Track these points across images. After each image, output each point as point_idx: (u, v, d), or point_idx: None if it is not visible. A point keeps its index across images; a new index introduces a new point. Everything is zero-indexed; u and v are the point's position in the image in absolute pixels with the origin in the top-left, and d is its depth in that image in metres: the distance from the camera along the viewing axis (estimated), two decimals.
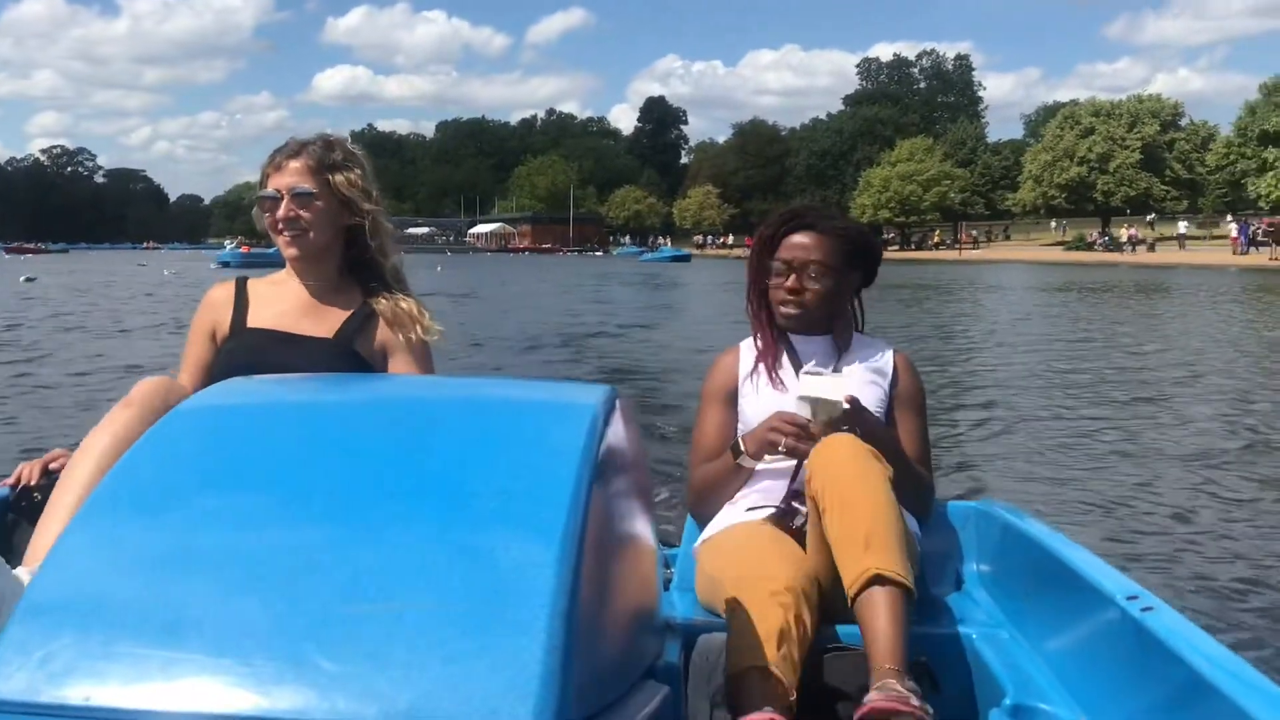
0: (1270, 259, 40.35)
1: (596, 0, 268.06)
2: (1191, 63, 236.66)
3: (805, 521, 2.08)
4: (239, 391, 1.42)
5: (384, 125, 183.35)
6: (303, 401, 1.44)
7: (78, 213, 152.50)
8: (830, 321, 2.37)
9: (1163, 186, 64.93)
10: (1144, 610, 1.61)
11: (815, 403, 2.09)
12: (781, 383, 2.30)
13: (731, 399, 2.37)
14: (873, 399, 2.28)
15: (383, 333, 2.28)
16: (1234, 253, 44.90)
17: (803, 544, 2.05)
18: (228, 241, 65.61)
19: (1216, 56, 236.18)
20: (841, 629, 1.90)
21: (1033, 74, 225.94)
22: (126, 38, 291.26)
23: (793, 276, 2.30)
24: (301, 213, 2.21)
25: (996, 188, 79.88)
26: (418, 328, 2.31)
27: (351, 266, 2.33)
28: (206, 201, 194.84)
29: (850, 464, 1.89)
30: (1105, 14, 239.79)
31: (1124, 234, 54.15)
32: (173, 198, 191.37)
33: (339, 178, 2.24)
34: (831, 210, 2.51)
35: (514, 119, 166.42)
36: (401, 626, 0.90)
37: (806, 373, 2.18)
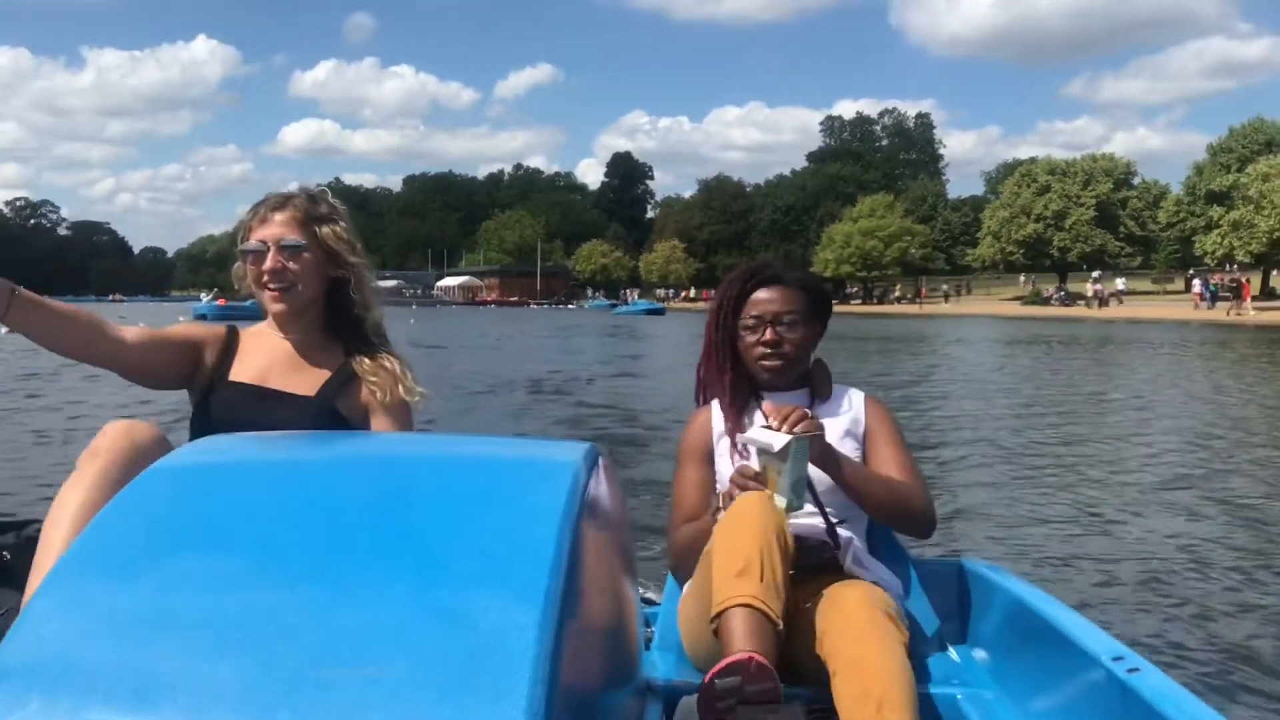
0: (1227, 314, 41.49)
1: (564, 56, 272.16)
2: (1149, 121, 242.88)
3: None
4: (213, 450, 1.41)
5: (351, 179, 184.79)
6: (277, 460, 1.42)
7: (40, 265, 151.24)
8: (803, 375, 2.38)
9: (1117, 242, 66.60)
10: (1130, 671, 1.59)
11: (754, 446, 2.08)
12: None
13: (708, 457, 2.35)
14: (850, 447, 2.29)
15: (365, 392, 2.22)
16: (1195, 307, 46.04)
17: None
18: (203, 295, 65.39)
19: (1175, 115, 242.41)
20: (807, 691, 1.89)
21: (993, 132, 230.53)
22: (91, 90, 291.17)
23: (769, 330, 2.30)
24: (289, 265, 2.16)
25: (957, 243, 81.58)
26: (400, 388, 2.24)
27: (334, 322, 2.27)
28: (170, 254, 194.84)
29: (865, 629, 1.84)
30: (1065, 74, 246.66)
31: (1090, 289, 55.19)
32: (136, 250, 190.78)
33: (325, 230, 2.19)
34: (787, 263, 2.55)
35: (481, 173, 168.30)
36: (377, 692, 0.87)
37: (758, 426, 2.17)
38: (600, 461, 1.26)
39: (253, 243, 2.16)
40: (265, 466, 1.36)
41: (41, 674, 0.91)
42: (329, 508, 1.16)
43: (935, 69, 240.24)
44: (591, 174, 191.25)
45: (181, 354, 2.19)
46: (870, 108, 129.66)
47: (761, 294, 2.32)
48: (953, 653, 2.32)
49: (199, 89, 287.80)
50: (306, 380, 2.20)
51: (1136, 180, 70.72)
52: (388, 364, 2.25)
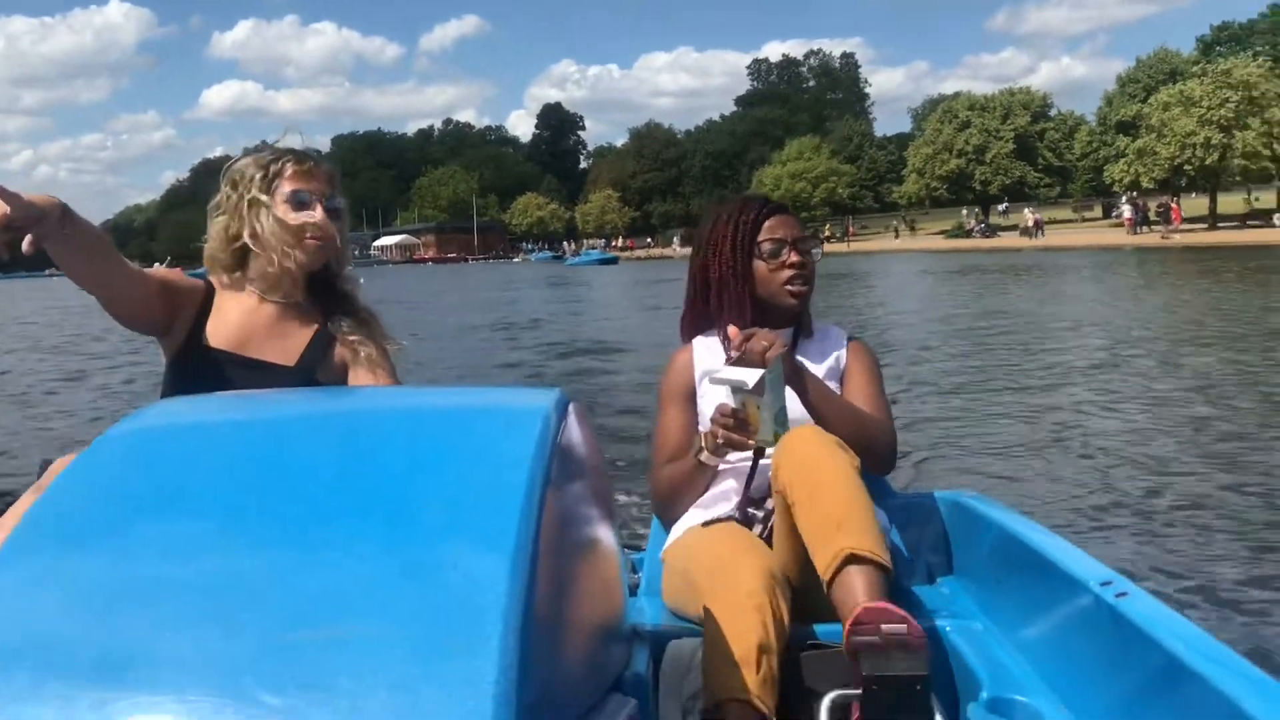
0: (1162, 238, 43.51)
1: (490, 7, 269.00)
2: (1073, 50, 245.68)
3: (764, 528, 2.10)
4: (170, 413, 1.38)
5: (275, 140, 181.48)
6: (237, 420, 1.39)
7: None
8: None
9: (1036, 174, 68.82)
10: (1119, 596, 1.60)
11: (728, 385, 2.04)
12: None
13: (690, 397, 2.32)
14: (833, 383, 2.28)
15: (343, 353, 2.16)
16: (1128, 233, 47.84)
17: (769, 544, 2.05)
18: (157, 265, 64.88)
19: (1097, 44, 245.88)
20: (819, 628, 1.90)
21: (921, 67, 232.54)
22: (1, 60, 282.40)
23: (793, 253, 2.25)
24: (334, 224, 2.11)
25: (883, 181, 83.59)
26: (381, 342, 2.22)
27: (316, 288, 2.20)
28: (97, 225, 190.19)
29: (816, 455, 1.86)
30: (989, 6, 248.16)
31: (1029, 218, 56.35)
32: None
33: (343, 199, 2.16)
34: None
35: (410, 129, 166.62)
36: (346, 653, 0.85)
37: (728, 364, 2.11)
38: (571, 407, 1.26)
39: (303, 191, 2.07)
40: (224, 428, 1.34)
41: None
42: (292, 467, 1.14)
43: (862, 5, 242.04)
44: (523, 126, 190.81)
45: (165, 298, 2.09)
46: (798, 48, 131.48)
47: (779, 219, 2.28)
48: (941, 586, 2.34)
49: (115, 54, 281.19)
50: (286, 348, 2.14)
51: (1053, 112, 72.97)
52: (368, 321, 2.22)
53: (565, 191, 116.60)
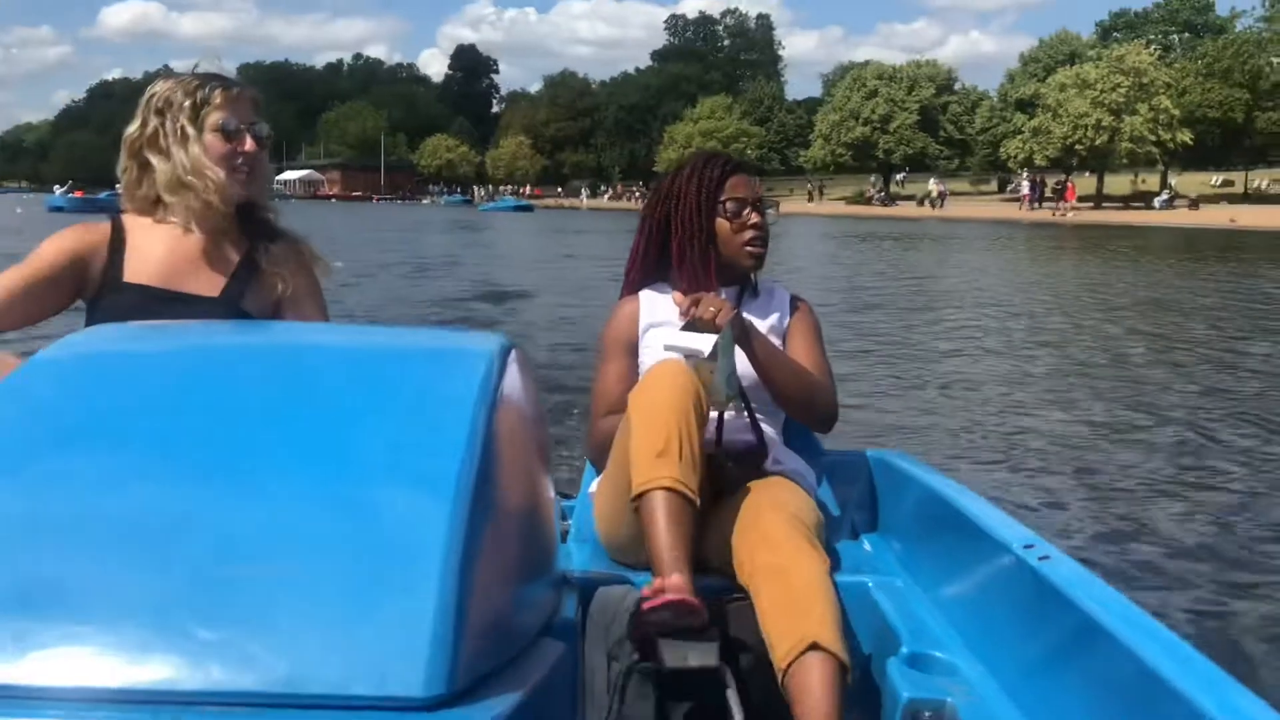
0: (1055, 215, 45.55)
1: None
2: (984, 26, 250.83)
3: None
4: (100, 339, 1.32)
5: (179, 65, 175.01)
6: (172, 349, 1.33)
7: None
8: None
9: (937, 146, 70.91)
10: (1041, 559, 1.60)
11: (680, 350, 2.02)
12: None
13: (632, 349, 2.31)
14: (775, 340, 2.28)
15: (271, 282, 2.08)
16: (1021, 208, 49.95)
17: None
18: (57, 187, 62.72)
19: (1007, 21, 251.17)
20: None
21: (836, 32, 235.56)
22: None
23: (754, 214, 2.26)
24: (261, 152, 2.06)
25: (791, 145, 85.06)
26: (312, 271, 2.17)
27: (237, 213, 2.10)
28: None
29: (784, 546, 1.80)
30: None
31: (934, 189, 57.83)
32: None
33: (267, 125, 2.11)
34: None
35: (319, 62, 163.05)
36: (281, 589, 0.84)
37: (679, 330, 2.10)
38: (513, 353, 1.25)
39: (231, 119, 2.01)
40: (158, 357, 1.29)
41: None
42: (228, 399, 1.11)
43: None
44: (435, 65, 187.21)
45: (64, 282, 2.00)
46: (716, 4, 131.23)
47: (740, 177, 2.28)
48: (865, 543, 2.34)
49: None
50: (209, 280, 2.05)
51: (957, 86, 75.04)
52: (297, 247, 2.16)
53: (477, 135, 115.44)
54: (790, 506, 1.91)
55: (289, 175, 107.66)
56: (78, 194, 46.65)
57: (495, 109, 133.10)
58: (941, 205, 54.93)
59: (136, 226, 2.09)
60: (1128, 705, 1.28)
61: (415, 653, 0.82)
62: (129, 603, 0.83)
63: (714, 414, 2.09)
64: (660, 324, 2.28)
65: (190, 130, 2.02)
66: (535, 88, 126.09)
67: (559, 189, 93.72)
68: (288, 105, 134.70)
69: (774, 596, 1.73)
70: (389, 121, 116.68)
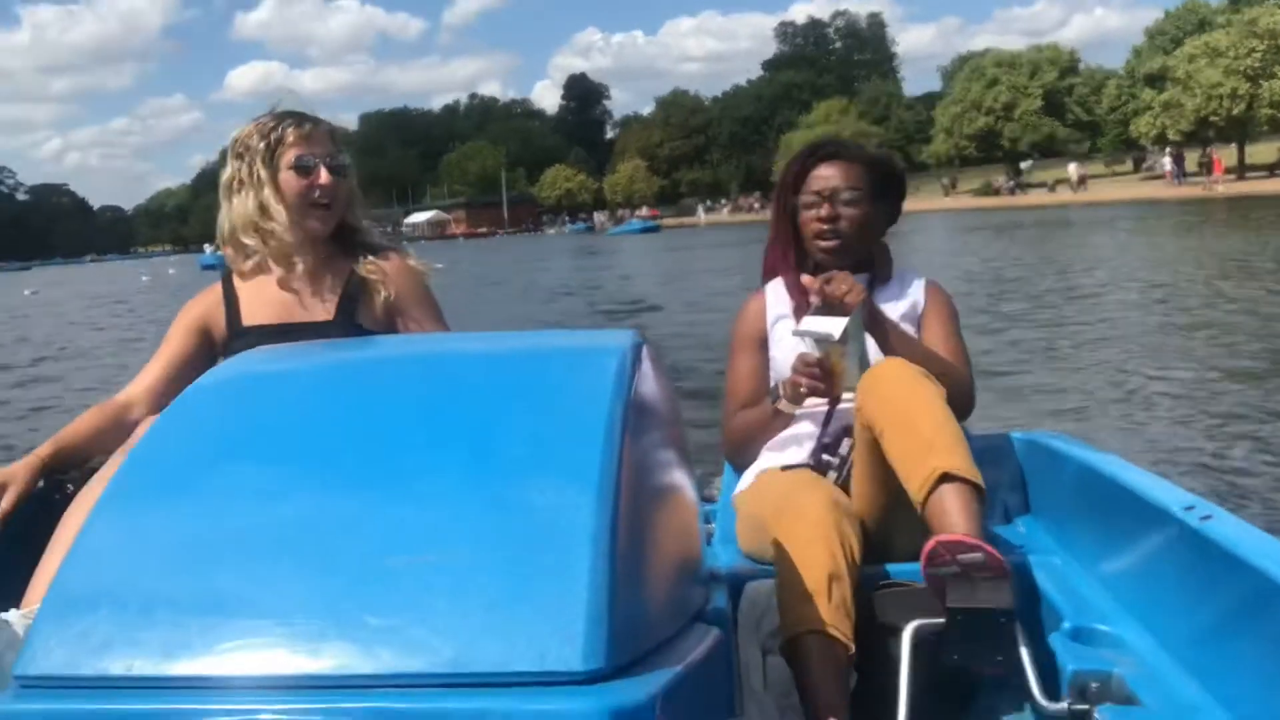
0: (1205, 189, 43.26)
1: None
2: (1107, 2, 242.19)
3: (839, 474, 2.09)
4: (252, 362, 1.39)
5: None
6: (320, 366, 1.41)
7: (2, 231, 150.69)
8: (867, 257, 2.30)
9: (1065, 129, 68.58)
10: (1203, 519, 1.55)
11: (811, 337, 2.02)
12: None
13: (762, 344, 2.30)
14: (909, 328, 2.24)
15: (381, 296, 2.14)
16: (1169, 185, 47.53)
17: (845, 491, 2.04)
18: (207, 246, 66.21)
19: None
20: (892, 568, 1.90)
21: (952, 23, 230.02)
22: (29, 48, 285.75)
23: (825, 206, 2.22)
24: (340, 182, 2.10)
25: (912, 141, 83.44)
26: (416, 275, 2.21)
27: (337, 243, 2.20)
28: (129, 210, 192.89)
29: (901, 384, 1.85)
30: None
31: (1073, 173, 55.84)
32: (95, 208, 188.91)
33: (346, 155, 2.16)
34: (854, 141, 2.52)
35: (436, 104, 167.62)
36: (441, 577, 0.89)
37: (809, 315, 2.07)
38: (645, 349, 1.27)
39: (305, 156, 2.07)
40: (308, 373, 1.37)
41: (106, 586, 0.92)
42: (376, 406, 1.16)
43: None
44: (548, 97, 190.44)
45: (200, 353, 2.13)
46: (825, 8, 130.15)
47: (823, 169, 2.25)
48: (1019, 525, 2.33)
49: (140, 38, 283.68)
50: (321, 305, 2.12)
51: (1081, 67, 72.50)
52: (393, 258, 2.20)
53: (593, 162, 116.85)
54: (901, 365, 1.93)
55: (417, 218, 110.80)
56: (226, 250, 49.05)
57: (609, 134, 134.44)
58: (1083, 188, 52.95)
59: (243, 276, 2.18)
60: None
61: (571, 630, 0.85)
62: (302, 598, 0.88)
63: (824, 401, 2.12)
64: (787, 315, 2.27)
65: (263, 172, 2.08)
66: (647, 109, 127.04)
67: (675, 208, 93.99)
68: (409, 150, 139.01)
69: (900, 444, 1.79)
70: (507, 157, 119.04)
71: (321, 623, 0.87)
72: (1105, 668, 1.59)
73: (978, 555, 1.60)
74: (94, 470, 1.87)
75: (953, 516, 1.68)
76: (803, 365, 2.06)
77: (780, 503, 1.88)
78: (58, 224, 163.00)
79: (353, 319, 2.11)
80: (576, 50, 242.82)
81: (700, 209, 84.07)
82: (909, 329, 2.23)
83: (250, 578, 0.91)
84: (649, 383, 1.22)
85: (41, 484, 1.90)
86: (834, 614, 1.70)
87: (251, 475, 1.04)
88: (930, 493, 1.71)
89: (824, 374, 2.02)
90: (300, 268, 2.14)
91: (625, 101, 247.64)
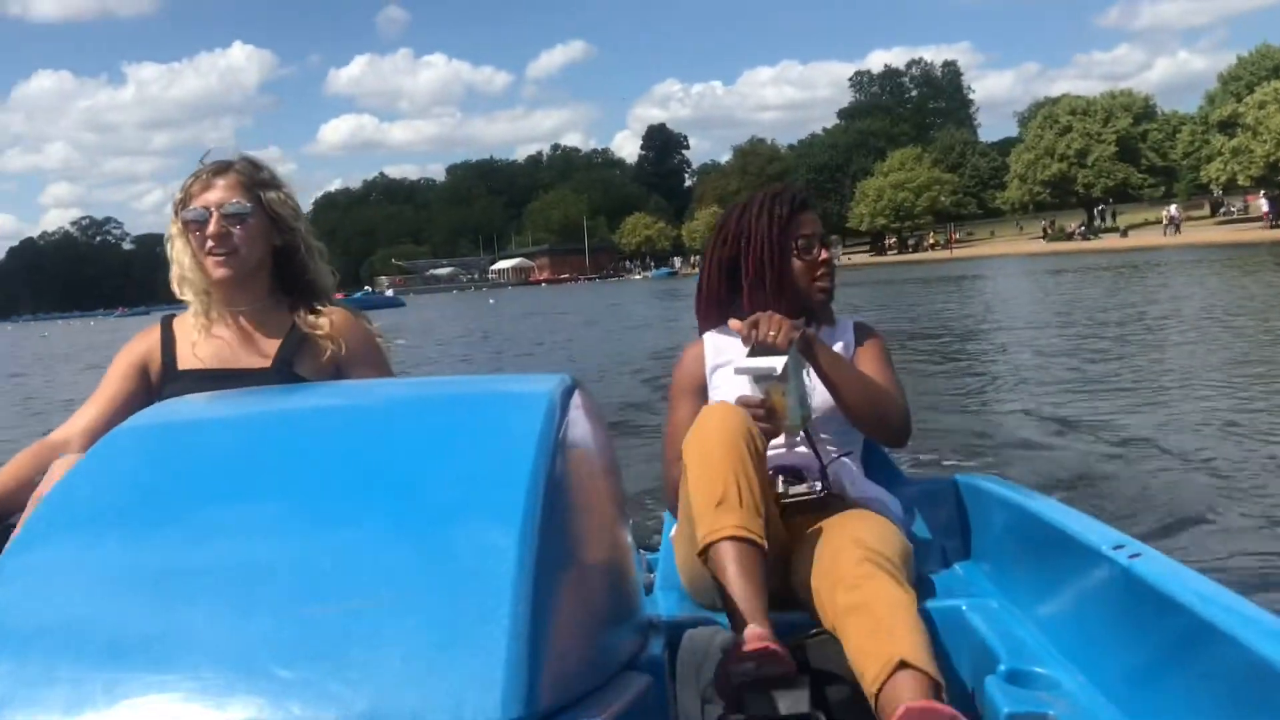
0: None
1: (595, 31, 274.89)
2: (1191, 44, 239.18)
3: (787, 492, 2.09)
4: (177, 408, 1.38)
5: (393, 171, 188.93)
6: (244, 412, 1.39)
7: (110, 280, 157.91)
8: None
9: (1140, 175, 69.13)
10: (1132, 557, 1.56)
11: (751, 375, 2.02)
12: None
13: (701, 391, 2.31)
14: None
15: (329, 350, 2.12)
16: (1268, 227, 47.53)
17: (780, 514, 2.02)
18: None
19: (1216, 37, 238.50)
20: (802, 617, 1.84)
21: (1031, 69, 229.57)
22: (133, 105, 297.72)
23: (824, 250, 2.25)
24: (234, 230, 2.06)
25: (986, 187, 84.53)
26: (364, 329, 2.21)
27: (283, 288, 2.19)
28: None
29: (866, 579, 1.73)
30: (1100, 3, 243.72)
31: (1165, 215, 55.79)
32: None
33: (270, 194, 2.13)
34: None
35: (520, 155, 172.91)
36: (358, 626, 0.86)
37: (746, 355, 2.05)
38: (577, 393, 1.26)
39: (194, 209, 2.07)
40: (232, 419, 1.35)
41: (10, 636, 0.89)
42: (300, 451, 1.14)
43: (969, 8, 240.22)
44: (628, 146, 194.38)
45: (138, 387, 2.12)
46: (903, 56, 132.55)
47: (807, 215, 2.28)
48: (957, 568, 2.33)
49: (238, 95, 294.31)
50: (258, 353, 2.13)
51: (1158, 113, 73.08)
52: (335, 315, 2.18)
53: (671, 209, 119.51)
54: (868, 540, 1.83)
55: (502, 264, 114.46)
56: (336, 295, 51.51)
57: (688, 182, 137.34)
58: (1176, 231, 53.23)
59: (184, 321, 2.20)
60: (1238, 701, 1.24)
61: (491, 678, 0.83)
62: (213, 649, 0.85)
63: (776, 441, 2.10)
64: (726, 363, 2.26)
65: (173, 228, 2.13)
66: (725, 157, 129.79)
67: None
68: (495, 200, 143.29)
69: (859, 629, 1.66)
70: (588, 205, 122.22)
71: (232, 674, 0.84)
72: (1040, 709, 1.57)
73: None
74: (9, 529, 1.79)
75: (905, 697, 1.54)
76: (746, 407, 2.01)
77: (689, 435, 1.91)
78: (160, 272, 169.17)
79: (290, 369, 2.10)
80: (655, 100, 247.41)
81: None
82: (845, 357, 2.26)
83: (160, 628, 0.88)
84: (579, 427, 1.21)
85: None
86: (747, 516, 1.74)
87: (167, 521, 1.02)
88: (885, 681, 1.57)
89: (767, 413, 2.00)
90: (239, 314, 2.15)
91: (703, 150, 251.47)
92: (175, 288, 2.15)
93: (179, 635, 0.88)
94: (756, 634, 1.60)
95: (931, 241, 79.05)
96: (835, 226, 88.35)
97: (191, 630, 0.88)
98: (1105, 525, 1.81)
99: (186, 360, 2.14)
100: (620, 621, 1.16)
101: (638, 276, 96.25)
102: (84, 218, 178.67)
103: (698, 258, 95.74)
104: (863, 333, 2.38)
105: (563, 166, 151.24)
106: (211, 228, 2.07)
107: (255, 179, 2.14)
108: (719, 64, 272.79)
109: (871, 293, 27.16)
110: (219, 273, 2.09)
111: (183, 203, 2.11)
